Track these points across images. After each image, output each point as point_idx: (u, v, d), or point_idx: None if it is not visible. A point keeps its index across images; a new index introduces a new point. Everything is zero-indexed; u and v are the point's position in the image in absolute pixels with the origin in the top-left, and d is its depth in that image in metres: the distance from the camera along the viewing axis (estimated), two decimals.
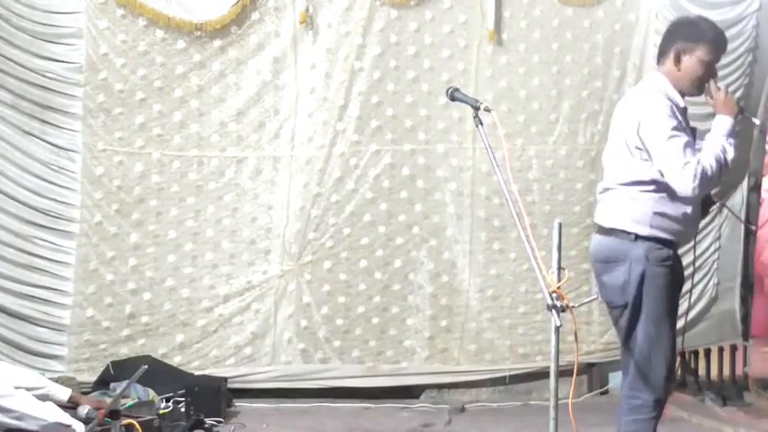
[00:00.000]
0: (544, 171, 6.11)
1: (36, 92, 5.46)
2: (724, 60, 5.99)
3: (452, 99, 3.45)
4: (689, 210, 3.54)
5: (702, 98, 3.66)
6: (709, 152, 3.45)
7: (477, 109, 3.27)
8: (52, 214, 5.53)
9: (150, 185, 5.69)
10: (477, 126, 3.25)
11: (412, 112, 5.93)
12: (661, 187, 3.50)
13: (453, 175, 5.99)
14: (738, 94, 6.16)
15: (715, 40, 3.60)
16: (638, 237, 3.51)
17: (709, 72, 3.58)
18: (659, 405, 3.51)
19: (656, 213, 3.51)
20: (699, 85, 3.60)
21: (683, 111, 3.58)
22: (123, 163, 5.64)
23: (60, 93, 5.51)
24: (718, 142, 3.49)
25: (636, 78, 6.07)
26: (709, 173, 3.39)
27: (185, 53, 5.66)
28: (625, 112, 3.62)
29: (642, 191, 3.53)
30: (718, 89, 3.58)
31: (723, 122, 3.55)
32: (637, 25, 6.13)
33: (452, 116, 5.94)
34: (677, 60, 3.57)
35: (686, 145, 3.42)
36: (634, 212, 3.53)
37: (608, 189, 3.66)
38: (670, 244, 3.53)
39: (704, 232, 6.30)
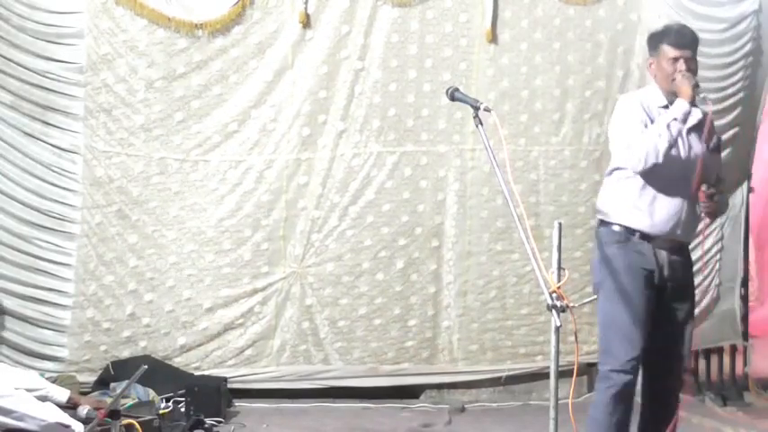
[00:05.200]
0: (548, 171, 6.10)
1: (37, 92, 5.46)
2: (725, 60, 6.08)
3: (452, 99, 3.46)
4: (656, 201, 3.73)
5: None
6: (647, 131, 3.67)
7: (477, 109, 3.28)
8: (53, 215, 5.53)
9: (151, 186, 5.69)
10: (477, 126, 3.25)
11: (414, 113, 5.93)
12: (623, 175, 3.78)
13: (456, 175, 5.99)
14: (740, 95, 6.17)
15: (669, 32, 3.86)
16: (603, 222, 3.86)
17: (674, 65, 3.76)
18: (613, 377, 3.70)
19: (617, 200, 3.80)
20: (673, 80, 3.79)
21: (665, 108, 3.76)
22: (124, 164, 5.64)
23: (61, 93, 5.51)
24: (659, 123, 3.68)
25: (639, 78, 6.08)
26: (639, 150, 3.63)
27: (186, 53, 5.66)
28: None
29: (609, 179, 3.89)
30: (681, 74, 3.73)
31: (676, 105, 3.71)
32: (639, 25, 6.12)
33: (454, 116, 5.94)
34: (651, 72, 3.89)
35: (635, 128, 3.69)
36: (603, 199, 3.91)
37: None
38: (640, 234, 3.75)
39: (706, 232, 6.29)
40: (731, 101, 6.15)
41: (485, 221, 6.03)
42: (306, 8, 5.74)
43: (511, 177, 3.17)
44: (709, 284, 6.36)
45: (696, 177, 3.68)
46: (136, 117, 5.63)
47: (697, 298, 6.21)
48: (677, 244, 3.82)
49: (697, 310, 6.22)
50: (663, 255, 3.78)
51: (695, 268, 6.12)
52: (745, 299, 6.49)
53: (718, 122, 6.09)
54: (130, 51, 5.58)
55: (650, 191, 3.73)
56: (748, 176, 6.43)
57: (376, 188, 5.89)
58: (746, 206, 6.41)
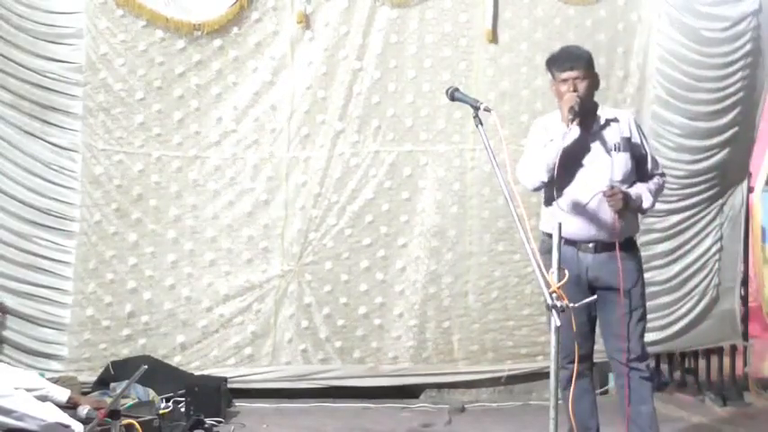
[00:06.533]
0: None
1: (36, 92, 5.47)
2: (725, 59, 6.07)
3: (452, 99, 3.48)
4: (572, 208, 3.95)
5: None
6: (534, 154, 4.00)
7: (476, 109, 3.29)
8: (53, 213, 5.54)
9: (150, 185, 5.70)
10: (477, 126, 3.26)
11: (413, 112, 5.93)
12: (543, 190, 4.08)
13: (456, 175, 5.98)
14: (739, 95, 6.16)
15: (558, 57, 4.08)
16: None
17: (564, 86, 3.99)
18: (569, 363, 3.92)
19: (543, 210, 4.16)
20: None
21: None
22: (123, 162, 5.65)
23: (60, 93, 5.52)
24: (542, 144, 3.98)
25: (639, 78, 6.07)
26: (527, 171, 4.00)
27: (184, 53, 5.66)
28: None
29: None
30: (566, 95, 3.97)
31: (557, 127, 3.98)
32: (639, 24, 6.10)
33: (454, 116, 5.93)
34: (553, 93, 4.11)
35: (530, 151, 4.04)
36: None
37: None
38: (565, 241, 3.80)
39: (705, 232, 6.29)
40: (730, 101, 6.14)
41: (486, 222, 6.02)
42: (305, 8, 5.74)
43: (511, 178, 3.19)
44: (709, 284, 6.35)
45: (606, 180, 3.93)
46: (135, 116, 5.64)
47: (696, 298, 6.28)
48: (601, 244, 3.97)
49: (697, 310, 6.28)
50: (588, 258, 3.98)
51: (695, 267, 6.21)
52: (744, 299, 6.48)
53: (717, 122, 6.13)
54: (129, 51, 5.59)
55: (566, 199, 3.97)
56: (747, 176, 6.42)
57: (374, 187, 5.89)
58: (746, 206, 6.40)
